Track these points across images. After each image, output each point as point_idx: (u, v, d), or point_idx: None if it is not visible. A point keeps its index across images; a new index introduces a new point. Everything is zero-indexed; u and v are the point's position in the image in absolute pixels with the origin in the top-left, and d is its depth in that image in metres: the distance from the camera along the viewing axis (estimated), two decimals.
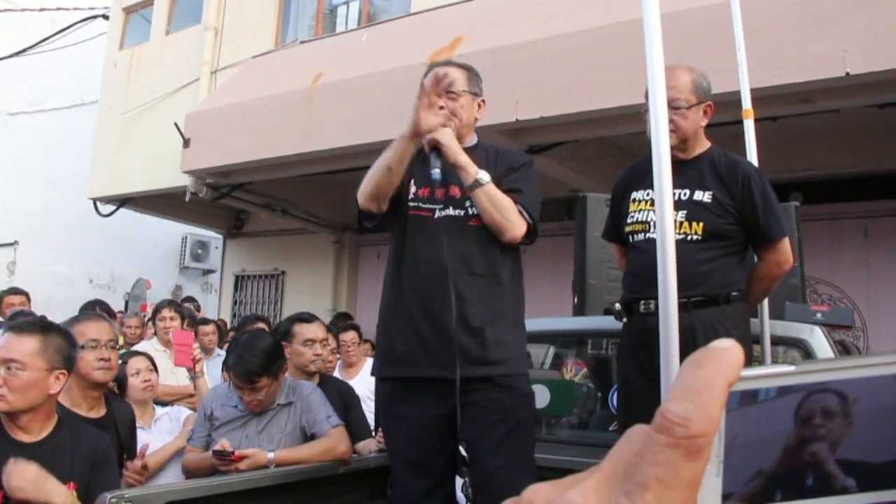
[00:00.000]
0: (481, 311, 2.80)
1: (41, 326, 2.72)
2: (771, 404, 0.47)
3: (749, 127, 3.38)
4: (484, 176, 2.79)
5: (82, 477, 2.66)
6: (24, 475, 2.39)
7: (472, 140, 3.02)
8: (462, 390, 2.75)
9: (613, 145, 7.24)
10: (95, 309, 5.75)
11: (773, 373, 0.46)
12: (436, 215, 2.89)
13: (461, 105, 2.93)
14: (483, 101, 3.05)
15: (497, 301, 2.85)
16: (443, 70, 2.95)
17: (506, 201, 2.80)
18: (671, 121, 3.00)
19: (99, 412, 3.20)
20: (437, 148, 2.81)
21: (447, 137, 2.82)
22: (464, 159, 2.81)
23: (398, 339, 2.87)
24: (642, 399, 2.94)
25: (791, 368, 0.46)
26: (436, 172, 2.84)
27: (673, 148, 2.89)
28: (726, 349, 0.42)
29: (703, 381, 0.41)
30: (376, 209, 2.97)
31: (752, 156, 3.32)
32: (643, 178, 3.07)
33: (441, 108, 2.88)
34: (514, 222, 2.81)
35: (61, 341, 2.71)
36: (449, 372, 2.74)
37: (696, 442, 0.40)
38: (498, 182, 2.82)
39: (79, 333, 3.09)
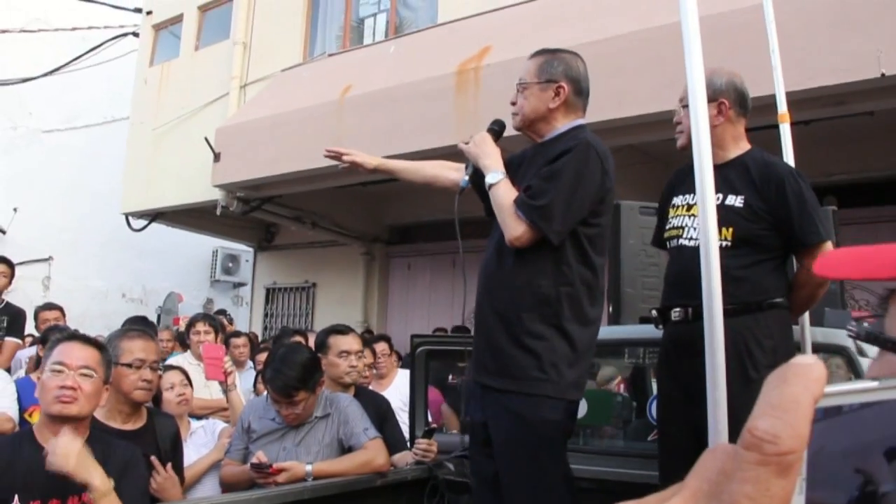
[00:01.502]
0: (488, 315, 2.78)
1: (95, 341, 2.83)
2: (855, 419, 0.46)
3: (785, 131, 3.33)
4: (492, 177, 2.79)
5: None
6: (70, 448, 2.44)
7: (553, 131, 2.89)
8: (486, 399, 2.76)
9: (644, 152, 7.19)
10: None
11: (858, 388, 0.46)
12: None
13: (525, 97, 2.89)
14: (562, 86, 2.86)
15: (507, 307, 2.73)
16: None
17: (505, 202, 2.73)
18: (679, 122, 2.98)
19: (135, 424, 3.20)
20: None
21: (469, 145, 2.91)
22: (484, 162, 2.85)
23: None
24: (676, 407, 2.91)
25: (875, 384, 0.45)
26: (465, 180, 2.94)
27: (685, 149, 2.84)
28: (809, 365, 0.42)
29: (790, 397, 0.41)
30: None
31: (789, 160, 3.26)
32: (683, 182, 3.03)
33: (514, 102, 2.95)
34: (508, 224, 2.70)
35: (108, 357, 2.81)
36: (474, 375, 2.81)
37: (787, 459, 0.39)
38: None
39: (127, 349, 3.14)
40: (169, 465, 3.23)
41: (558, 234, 2.65)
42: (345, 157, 3.28)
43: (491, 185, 2.79)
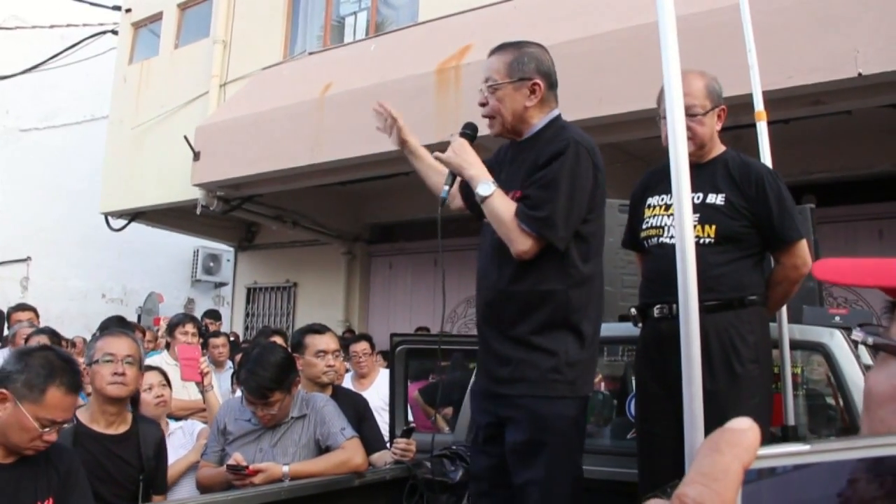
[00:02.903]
0: (492, 326, 2.77)
1: (78, 383, 2.69)
2: (788, 480, 0.48)
3: (762, 129, 3.34)
4: (483, 189, 2.69)
5: (58, 493, 2.60)
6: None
7: (531, 129, 2.84)
8: (497, 403, 2.75)
9: (625, 151, 7.20)
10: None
11: (789, 452, 0.48)
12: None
13: (498, 99, 2.80)
14: (537, 83, 2.80)
15: (510, 315, 2.71)
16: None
17: (504, 216, 2.66)
18: (688, 128, 2.94)
19: (118, 429, 3.16)
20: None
21: (448, 153, 2.80)
22: (469, 173, 2.75)
23: None
24: (658, 404, 2.91)
25: (807, 447, 0.48)
26: (445, 190, 2.85)
27: (690, 154, 2.86)
28: (743, 431, 0.45)
29: (720, 467, 0.43)
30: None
31: (766, 158, 3.28)
32: (659, 183, 3.04)
33: (484, 104, 2.86)
34: (512, 239, 2.65)
35: None
36: (482, 385, 2.80)
37: None
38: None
39: (98, 349, 3.12)
40: None
41: (564, 241, 2.65)
42: (393, 113, 3.15)
43: (484, 198, 2.69)
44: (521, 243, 2.63)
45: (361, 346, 5.86)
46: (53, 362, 2.56)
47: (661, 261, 3.00)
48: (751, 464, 0.44)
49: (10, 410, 2.45)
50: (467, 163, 2.77)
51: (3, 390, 2.47)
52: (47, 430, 2.48)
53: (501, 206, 2.67)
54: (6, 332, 6.67)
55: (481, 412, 2.87)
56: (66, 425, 2.62)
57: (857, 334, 0.85)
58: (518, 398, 2.67)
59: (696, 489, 0.42)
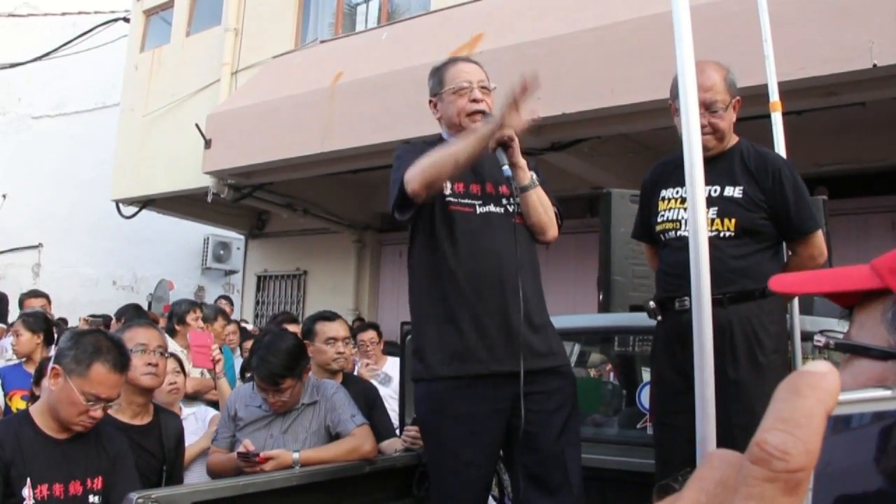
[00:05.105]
0: (536, 304, 2.85)
1: (123, 364, 2.76)
2: (864, 429, 0.45)
3: (777, 120, 3.32)
4: (536, 177, 2.86)
5: (107, 474, 2.69)
6: None
7: None
8: (524, 382, 2.74)
9: (636, 141, 7.18)
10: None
11: (871, 397, 0.45)
12: (476, 211, 2.83)
13: (491, 101, 2.91)
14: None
15: (541, 294, 2.93)
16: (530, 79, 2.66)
17: (548, 204, 2.90)
18: (710, 124, 2.92)
19: (143, 420, 3.21)
20: (503, 144, 2.76)
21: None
22: (523, 161, 2.84)
23: (452, 335, 2.77)
24: (678, 396, 2.88)
25: (889, 393, 0.45)
26: (506, 169, 2.77)
27: (712, 149, 2.88)
28: (823, 374, 0.40)
29: (803, 412, 0.39)
30: (423, 198, 2.75)
31: (781, 150, 3.26)
32: (672, 175, 3.02)
33: (481, 100, 2.88)
34: (553, 224, 2.91)
35: None
36: (513, 365, 2.69)
37: (795, 476, 0.38)
38: None
39: (128, 338, 3.13)
40: None
41: None
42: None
43: (538, 184, 2.87)
44: (555, 228, 2.94)
45: (369, 335, 5.85)
46: (101, 342, 2.70)
47: (682, 254, 2.98)
48: (833, 409, 0.39)
49: (61, 385, 2.59)
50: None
51: (56, 366, 2.63)
52: (91, 404, 2.59)
53: (544, 193, 2.90)
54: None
55: (482, 400, 2.72)
56: (111, 404, 2.69)
57: (820, 339, 0.85)
58: (559, 367, 2.87)
59: (777, 436, 0.38)
